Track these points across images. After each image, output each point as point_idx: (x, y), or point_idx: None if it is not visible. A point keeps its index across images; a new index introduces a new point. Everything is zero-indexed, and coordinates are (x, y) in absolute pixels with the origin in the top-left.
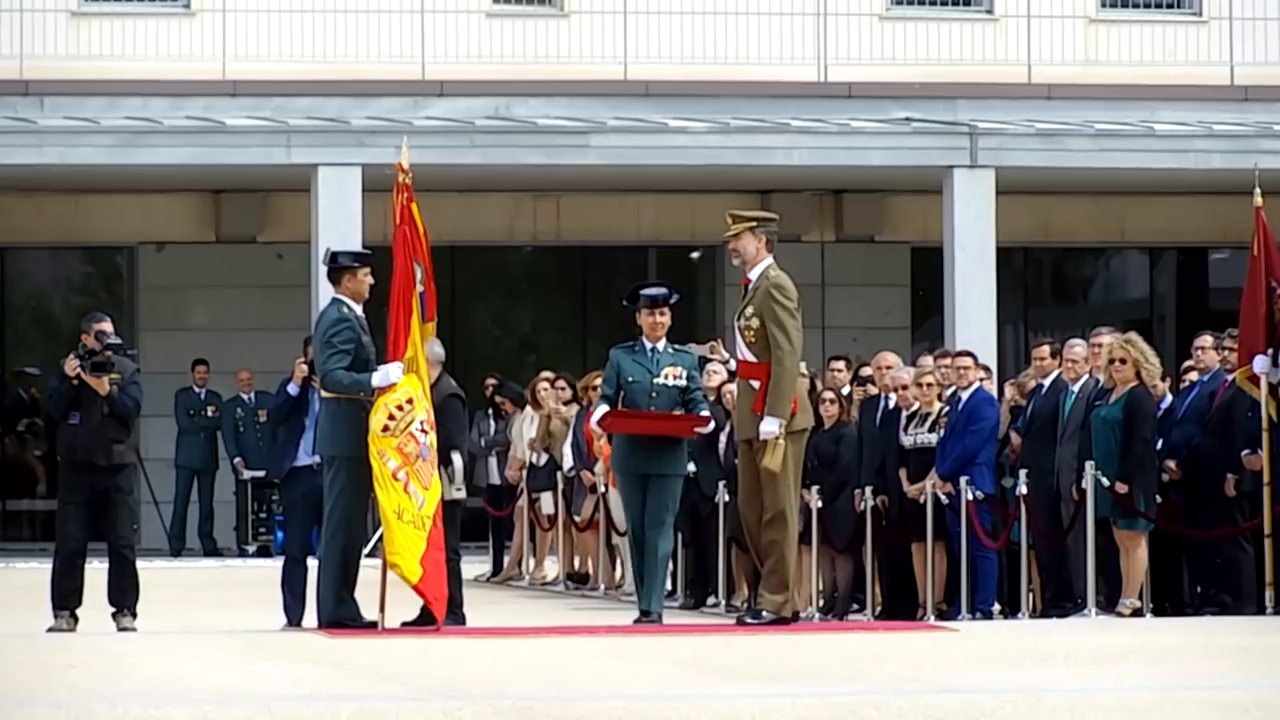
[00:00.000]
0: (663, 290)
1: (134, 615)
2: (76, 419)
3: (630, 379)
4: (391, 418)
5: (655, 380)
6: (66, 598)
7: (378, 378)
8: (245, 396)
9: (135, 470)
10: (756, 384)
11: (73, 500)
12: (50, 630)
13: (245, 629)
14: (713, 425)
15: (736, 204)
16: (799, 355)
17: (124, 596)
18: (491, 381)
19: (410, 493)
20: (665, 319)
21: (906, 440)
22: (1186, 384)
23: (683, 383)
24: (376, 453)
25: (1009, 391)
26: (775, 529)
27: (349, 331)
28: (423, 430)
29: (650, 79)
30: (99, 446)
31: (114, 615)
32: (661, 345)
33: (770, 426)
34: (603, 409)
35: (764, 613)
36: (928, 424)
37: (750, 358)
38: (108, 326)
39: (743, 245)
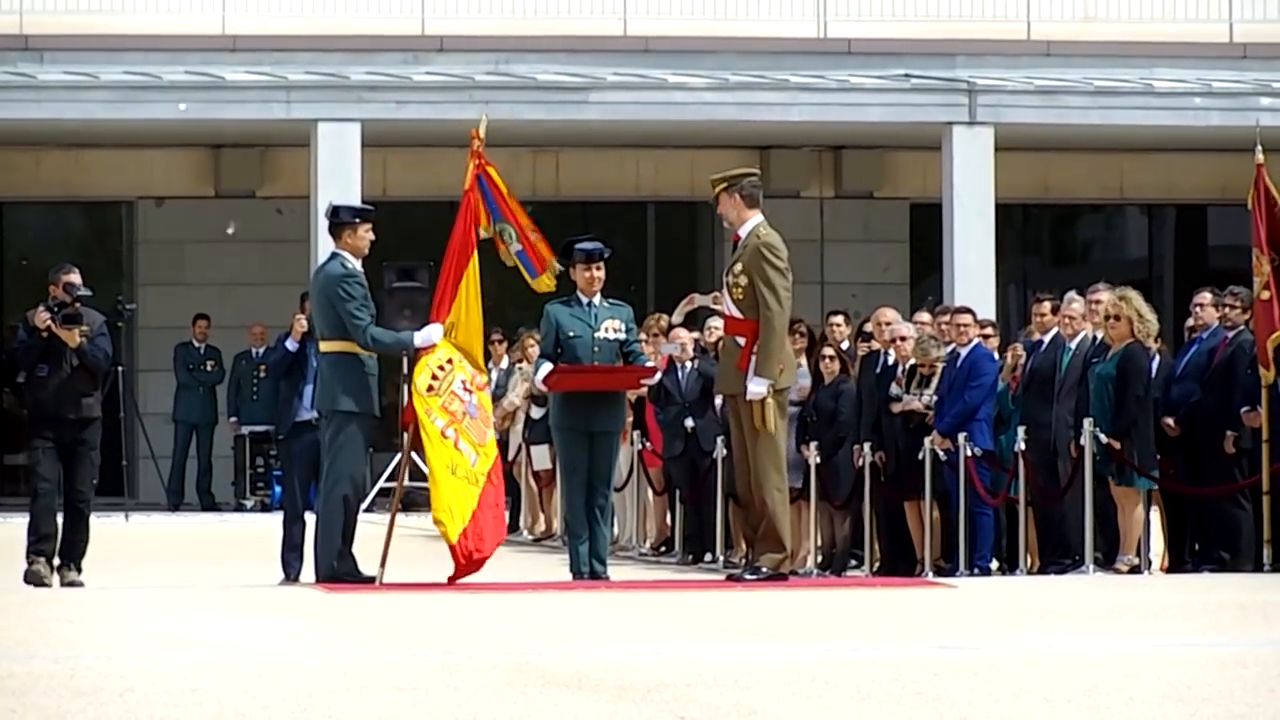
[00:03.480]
0: (598, 245)
1: (79, 570)
2: (44, 371)
3: (570, 334)
4: (435, 378)
5: (596, 335)
6: (43, 541)
7: (420, 338)
8: (255, 351)
9: (100, 424)
10: (742, 340)
11: (41, 447)
12: (28, 572)
13: (243, 584)
14: (659, 377)
15: (736, 160)
16: (788, 315)
17: (73, 551)
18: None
19: (461, 449)
20: (601, 273)
21: (910, 401)
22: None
23: (622, 335)
24: (424, 411)
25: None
26: (766, 488)
27: (359, 285)
28: (466, 390)
29: (650, 35)
30: (68, 399)
31: (59, 569)
32: (598, 299)
33: (758, 388)
34: (546, 367)
35: (763, 569)
36: (933, 386)
37: (737, 314)
38: (76, 278)
39: (723, 208)
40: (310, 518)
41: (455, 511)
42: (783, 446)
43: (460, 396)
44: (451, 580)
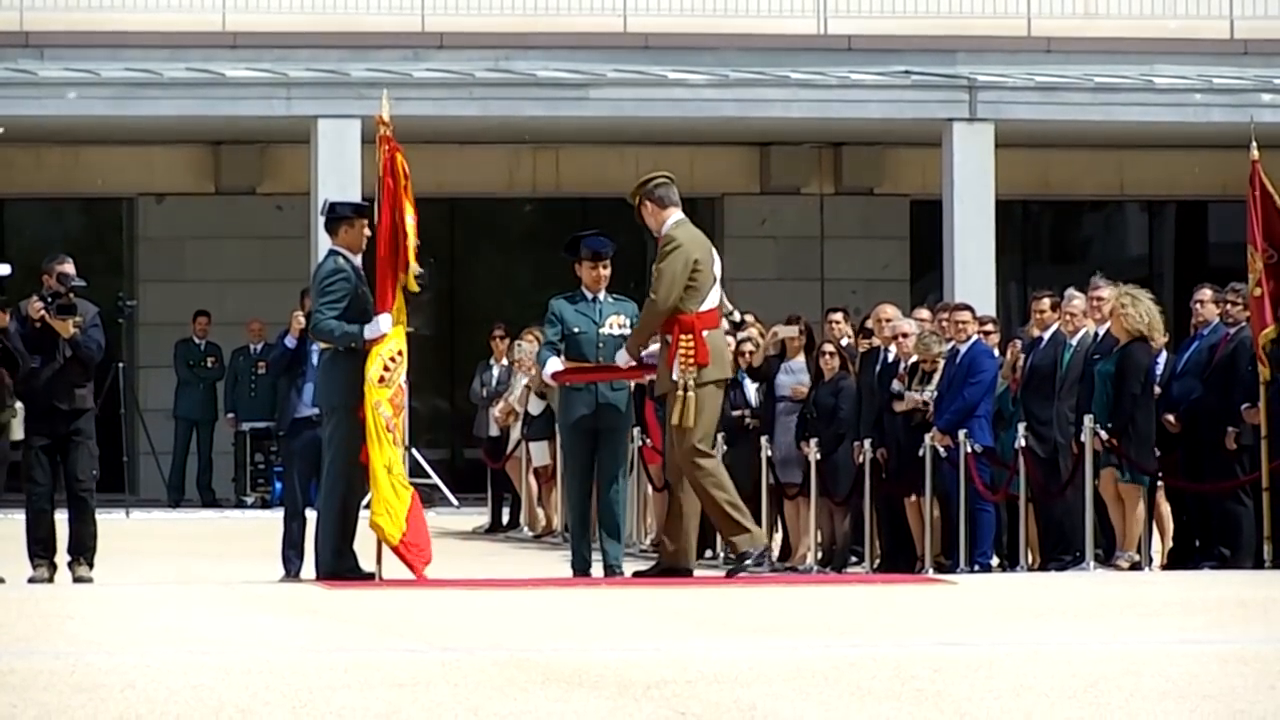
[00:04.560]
0: (605, 242)
1: (91, 566)
2: (37, 362)
3: (575, 330)
4: (386, 369)
5: (601, 330)
6: (42, 545)
7: (369, 330)
8: (253, 347)
9: (94, 415)
10: (670, 338)
11: (35, 445)
12: (31, 580)
13: (243, 580)
14: None
15: (735, 156)
16: (666, 308)
17: (82, 546)
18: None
19: (397, 445)
20: (608, 271)
21: (911, 397)
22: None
23: (627, 330)
24: (372, 404)
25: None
26: (699, 476)
27: (344, 284)
28: (406, 384)
29: (650, 31)
30: (61, 390)
31: (70, 564)
32: (602, 295)
33: (621, 356)
34: (554, 362)
35: (747, 552)
36: (933, 382)
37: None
38: (70, 268)
39: (645, 219)
40: (311, 514)
41: (393, 513)
42: (705, 431)
43: (404, 390)
44: (420, 575)
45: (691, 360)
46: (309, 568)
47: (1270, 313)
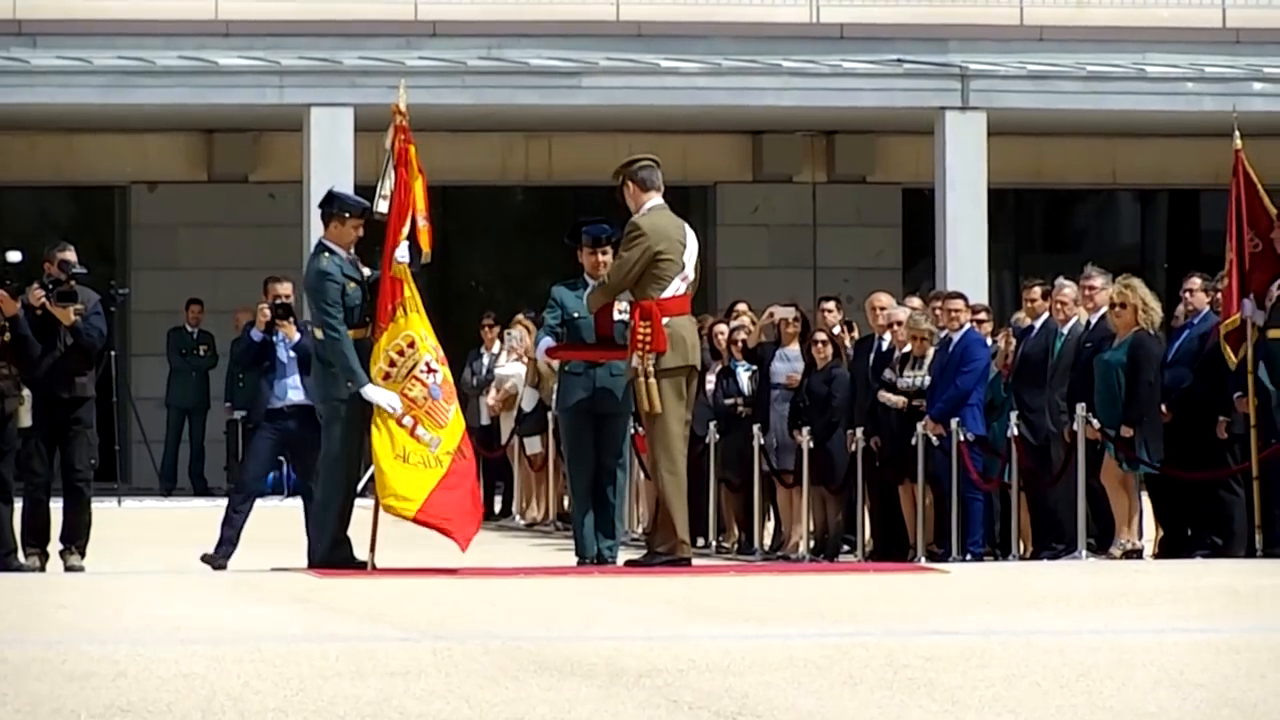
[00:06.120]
0: (605, 228)
1: (82, 555)
2: (38, 350)
3: (576, 315)
4: (392, 364)
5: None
6: (37, 535)
7: (371, 390)
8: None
9: (94, 403)
10: (632, 324)
11: (35, 434)
12: (22, 569)
13: (235, 569)
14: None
15: (728, 145)
16: (612, 294)
17: (75, 534)
18: None
19: (419, 435)
20: (608, 257)
21: (902, 383)
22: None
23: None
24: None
25: (1002, 339)
26: (658, 474)
27: (332, 285)
28: (430, 370)
29: (642, 19)
30: (61, 379)
31: (62, 553)
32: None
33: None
34: (548, 340)
35: (658, 554)
36: (924, 367)
37: (630, 297)
38: (71, 255)
39: (626, 198)
40: (260, 503)
41: (406, 495)
42: (674, 429)
43: (422, 380)
44: (466, 542)
45: (648, 347)
46: (299, 557)
47: (1236, 302)
